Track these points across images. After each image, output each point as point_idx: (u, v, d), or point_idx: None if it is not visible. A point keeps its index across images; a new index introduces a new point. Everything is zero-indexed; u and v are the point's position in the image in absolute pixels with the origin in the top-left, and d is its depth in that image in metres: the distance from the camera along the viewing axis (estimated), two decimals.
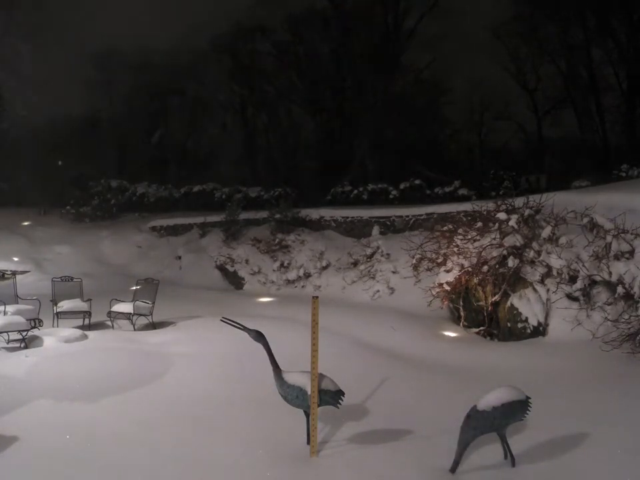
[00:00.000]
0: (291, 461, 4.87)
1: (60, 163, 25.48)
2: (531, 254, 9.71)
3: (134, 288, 10.95)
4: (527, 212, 10.39)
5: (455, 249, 10.64)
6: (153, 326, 9.90)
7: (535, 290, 9.45)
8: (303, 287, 14.19)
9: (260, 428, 5.59)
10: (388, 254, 13.40)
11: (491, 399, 4.68)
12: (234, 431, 5.56)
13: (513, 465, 4.71)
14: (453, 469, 4.59)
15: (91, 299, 9.90)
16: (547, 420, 5.43)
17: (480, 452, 4.89)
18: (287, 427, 5.46)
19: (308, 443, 5.06)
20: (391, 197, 19.67)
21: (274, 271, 14.81)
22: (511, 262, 9.62)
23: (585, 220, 9.58)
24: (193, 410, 6.10)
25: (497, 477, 4.60)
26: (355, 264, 13.91)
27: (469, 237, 10.63)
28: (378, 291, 12.79)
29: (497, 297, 9.79)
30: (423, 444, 5.20)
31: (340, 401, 5.27)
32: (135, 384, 6.84)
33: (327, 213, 16.52)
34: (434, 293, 10.80)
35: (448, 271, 10.44)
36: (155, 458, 4.96)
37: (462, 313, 10.46)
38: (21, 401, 6.15)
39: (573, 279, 9.12)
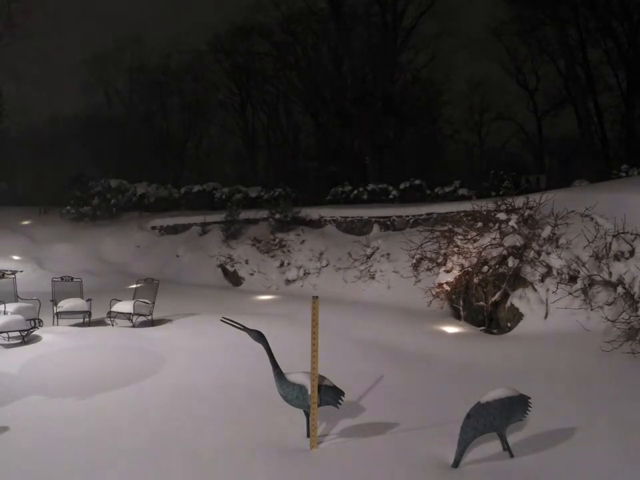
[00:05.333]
0: (292, 453, 4.92)
1: (60, 162, 25.49)
2: (531, 254, 9.71)
3: (134, 286, 10.97)
4: (526, 212, 10.40)
5: (455, 249, 10.65)
6: (152, 323, 9.91)
7: (534, 290, 9.46)
8: (302, 286, 14.19)
9: (260, 422, 5.63)
10: (388, 254, 13.40)
11: (491, 399, 4.70)
12: (233, 425, 5.59)
13: (511, 456, 4.76)
14: (454, 466, 4.62)
15: (91, 299, 9.90)
16: (545, 415, 5.45)
17: (478, 444, 4.91)
18: (287, 421, 5.50)
19: (308, 436, 5.11)
20: (391, 197, 19.64)
21: (274, 269, 14.81)
22: (511, 262, 9.62)
23: (585, 220, 9.58)
24: (190, 406, 6.12)
25: (495, 467, 4.65)
26: (355, 263, 13.91)
27: (469, 236, 10.63)
28: (378, 290, 12.78)
29: (497, 297, 9.80)
30: (422, 438, 5.22)
31: (340, 401, 5.29)
32: (131, 380, 6.88)
33: (327, 212, 16.52)
34: (434, 293, 10.82)
35: (448, 271, 10.44)
36: (151, 454, 4.97)
37: (462, 313, 10.47)
38: (14, 396, 6.21)
39: (573, 279, 9.12)
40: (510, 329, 9.50)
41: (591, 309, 8.68)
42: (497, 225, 10.28)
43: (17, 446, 5.07)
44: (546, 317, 9.17)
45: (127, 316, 9.64)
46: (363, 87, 27.40)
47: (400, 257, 12.80)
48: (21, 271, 11.37)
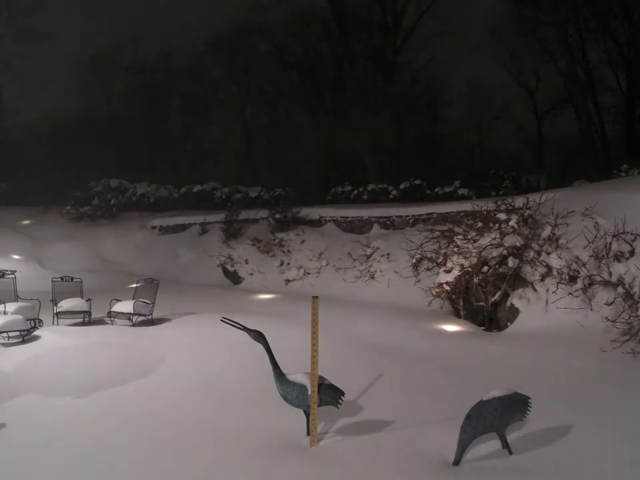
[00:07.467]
0: (292, 451, 4.95)
1: (60, 162, 25.47)
2: (531, 254, 9.71)
3: (134, 286, 10.96)
4: (526, 212, 10.40)
5: (455, 249, 10.65)
6: (151, 322, 9.91)
7: (534, 290, 9.46)
8: (301, 286, 14.19)
9: (260, 420, 5.64)
10: (388, 253, 13.40)
11: (491, 399, 4.71)
12: (233, 423, 5.60)
13: (510, 453, 4.78)
14: (455, 464, 4.63)
15: (91, 299, 9.89)
16: (545, 414, 5.46)
17: (478, 441, 4.92)
18: (287, 419, 5.52)
19: (308, 434, 5.12)
20: (391, 197, 19.61)
21: (273, 269, 14.80)
22: (511, 262, 9.63)
23: (585, 220, 9.58)
24: (189, 405, 6.13)
25: (495, 465, 4.68)
26: (355, 263, 13.90)
27: (469, 237, 10.64)
28: (378, 289, 12.77)
29: (497, 297, 9.79)
30: (423, 436, 5.25)
31: (340, 400, 5.29)
32: (130, 379, 6.89)
33: (327, 212, 16.50)
34: (434, 293, 10.81)
35: (448, 271, 10.44)
36: (150, 453, 4.97)
37: (462, 313, 10.47)
38: (12, 394, 6.24)
39: (573, 279, 9.12)
40: (509, 329, 9.49)
41: (591, 309, 8.68)
42: (497, 225, 10.28)
43: (14, 444, 5.09)
44: (546, 316, 9.16)
45: (127, 316, 9.63)
46: (362, 86, 27.37)
47: (400, 257, 12.79)
48: (20, 271, 11.35)
